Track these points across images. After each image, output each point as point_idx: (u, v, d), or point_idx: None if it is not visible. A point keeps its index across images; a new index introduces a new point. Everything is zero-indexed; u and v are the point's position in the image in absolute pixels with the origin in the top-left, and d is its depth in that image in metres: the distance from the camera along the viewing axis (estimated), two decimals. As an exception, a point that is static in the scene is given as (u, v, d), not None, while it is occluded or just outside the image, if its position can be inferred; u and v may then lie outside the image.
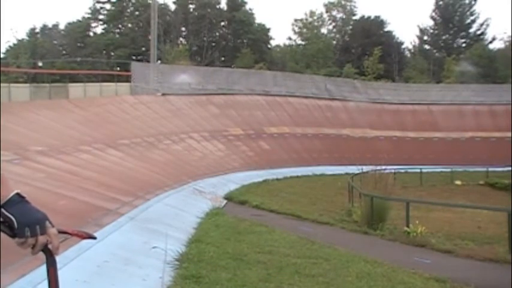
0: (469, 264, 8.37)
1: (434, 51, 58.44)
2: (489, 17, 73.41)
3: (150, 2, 39.06)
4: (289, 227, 10.88)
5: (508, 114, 35.67)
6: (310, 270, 5.90)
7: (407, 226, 11.57)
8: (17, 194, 1.31)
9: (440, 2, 57.98)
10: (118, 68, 42.31)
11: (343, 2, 60.29)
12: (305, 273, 5.70)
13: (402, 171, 26.54)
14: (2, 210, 1.27)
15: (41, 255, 1.34)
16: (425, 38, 60.22)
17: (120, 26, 55.41)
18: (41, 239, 1.28)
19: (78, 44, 52.92)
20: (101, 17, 55.50)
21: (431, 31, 59.60)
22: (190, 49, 52.38)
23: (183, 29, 57.34)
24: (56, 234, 1.30)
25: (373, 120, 36.67)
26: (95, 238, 1.44)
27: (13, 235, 1.26)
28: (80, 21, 54.61)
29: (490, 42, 57.56)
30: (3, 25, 79.96)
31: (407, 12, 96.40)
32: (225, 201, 14.86)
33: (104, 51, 52.49)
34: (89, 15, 55.32)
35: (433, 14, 58.88)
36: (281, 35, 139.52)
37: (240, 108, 32.18)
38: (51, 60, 43.01)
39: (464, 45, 57.77)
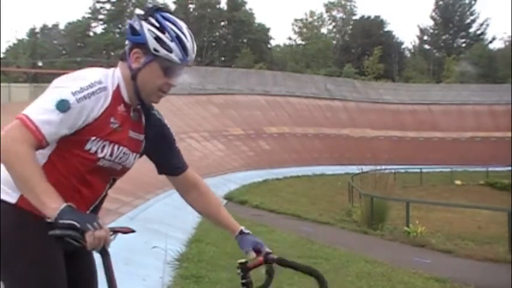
0: (469, 264, 8.37)
1: (434, 51, 58.44)
2: (489, 17, 73.62)
3: (150, 2, 39.07)
4: (289, 227, 10.88)
5: (508, 114, 35.65)
6: (310, 270, 5.88)
7: (408, 226, 11.57)
8: (68, 205, 1.48)
9: (440, 2, 57.96)
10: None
11: (343, 2, 60.27)
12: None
13: (402, 171, 26.54)
14: (60, 221, 1.45)
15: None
16: (425, 38, 60.22)
17: (120, 26, 55.36)
18: (105, 231, 1.49)
19: (78, 44, 52.90)
20: (101, 17, 55.49)
21: (431, 31, 59.59)
22: (190, 49, 52.32)
23: (183, 29, 57.34)
24: (108, 229, 1.52)
25: (373, 120, 36.65)
26: (134, 231, 1.66)
27: (80, 237, 1.45)
28: (80, 21, 54.60)
29: (490, 42, 57.73)
30: (3, 25, 79.98)
31: (407, 12, 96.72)
32: (225, 201, 14.85)
33: (104, 51, 52.46)
34: (89, 15, 55.32)
35: (433, 14, 58.93)
36: (281, 35, 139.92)
37: (240, 108, 32.16)
38: (51, 60, 43.02)
39: (464, 45, 57.78)
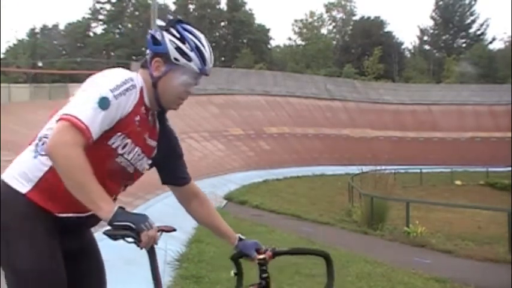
0: (469, 264, 8.37)
1: (434, 51, 58.41)
2: (489, 17, 73.68)
3: (150, 2, 39.04)
4: (290, 227, 10.89)
5: (508, 115, 35.64)
6: (310, 270, 5.89)
7: (408, 226, 11.57)
8: (120, 207, 1.55)
9: (440, 2, 57.94)
10: (118, 68, 42.17)
11: (343, 2, 60.24)
12: (305, 273, 5.69)
13: (402, 171, 26.54)
14: (115, 223, 1.51)
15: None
16: (425, 38, 60.19)
17: (120, 26, 55.37)
18: (155, 230, 1.57)
19: (78, 44, 52.89)
20: (101, 17, 55.47)
21: (431, 31, 59.56)
22: (190, 49, 52.32)
23: (183, 29, 57.31)
24: (157, 227, 1.59)
25: (373, 120, 36.64)
26: (175, 230, 1.75)
27: (136, 236, 1.52)
28: (80, 21, 54.58)
29: (490, 42, 57.66)
30: (3, 25, 79.98)
31: (407, 12, 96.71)
32: (225, 202, 14.86)
33: (104, 51, 52.47)
34: (89, 15, 55.29)
35: (433, 14, 58.91)
36: (281, 35, 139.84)
37: (240, 108, 32.16)
38: (51, 60, 42.99)
39: (464, 45, 57.74)
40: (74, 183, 1.55)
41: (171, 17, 1.82)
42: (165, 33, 1.75)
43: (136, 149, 1.77)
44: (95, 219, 1.73)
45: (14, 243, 1.66)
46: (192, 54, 1.74)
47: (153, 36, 1.77)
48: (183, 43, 1.74)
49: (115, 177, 1.77)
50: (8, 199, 1.69)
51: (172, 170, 1.97)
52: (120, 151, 1.72)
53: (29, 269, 1.64)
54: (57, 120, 1.61)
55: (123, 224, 1.51)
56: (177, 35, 1.75)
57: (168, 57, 1.74)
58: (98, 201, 1.54)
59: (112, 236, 1.52)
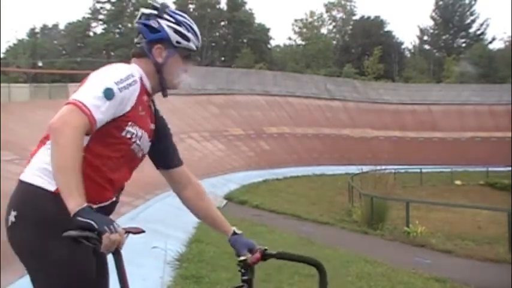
0: (469, 264, 8.37)
1: (434, 51, 58.41)
2: (489, 17, 73.72)
3: (150, 2, 39.10)
4: (290, 227, 10.89)
5: (508, 114, 35.64)
6: (310, 270, 5.86)
7: (408, 226, 11.58)
8: (89, 206, 1.52)
9: (440, 2, 57.94)
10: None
11: (343, 2, 60.25)
12: (305, 273, 5.69)
13: (402, 171, 26.55)
14: (79, 218, 1.47)
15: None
16: (425, 38, 60.19)
17: (120, 26, 55.35)
18: (120, 235, 1.50)
19: (78, 44, 52.87)
20: (101, 17, 55.48)
21: (431, 31, 59.57)
22: (190, 49, 52.31)
23: (183, 29, 57.30)
24: (123, 231, 1.52)
25: (373, 121, 36.63)
26: (144, 231, 1.65)
27: (97, 238, 1.45)
28: (80, 21, 54.56)
29: (490, 42, 57.67)
30: (3, 25, 79.96)
31: (407, 12, 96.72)
32: (225, 201, 14.86)
33: (104, 51, 52.44)
34: (89, 15, 55.29)
35: (433, 14, 58.92)
36: (281, 35, 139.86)
37: (240, 108, 32.16)
38: (51, 60, 43.00)
39: (464, 45, 57.75)
40: (61, 163, 1.55)
41: (157, 5, 1.87)
42: (160, 20, 1.83)
43: (145, 134, 1.84)
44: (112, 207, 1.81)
45: (45, 241, 1.65)
46: (189, 35, 1.86)
47: (147, 25, 1.84)
48: (180, 26, 1.84)
49: (129, 165, 1.85)
50: (37, 198, 1.68)
51: (164, 150, 2.01)
52: (134, 139, 1.80)
53: (63, 265, 1.64)
54: (64, 105, 1.66)
55: (86, 220, 1.46)
56: (172, 19, 1.84)
57: (169, 42, 1.83)
58: (74, 190, 1.52)
59: (72, 237, 1.47)
